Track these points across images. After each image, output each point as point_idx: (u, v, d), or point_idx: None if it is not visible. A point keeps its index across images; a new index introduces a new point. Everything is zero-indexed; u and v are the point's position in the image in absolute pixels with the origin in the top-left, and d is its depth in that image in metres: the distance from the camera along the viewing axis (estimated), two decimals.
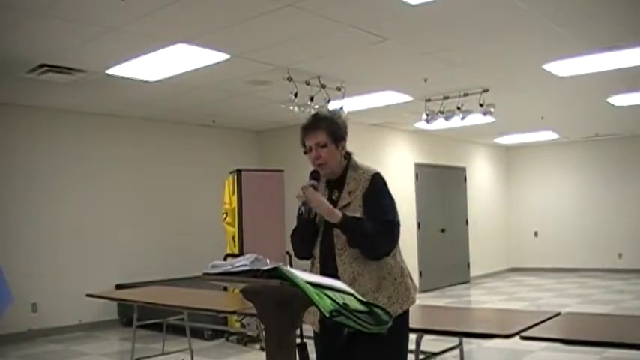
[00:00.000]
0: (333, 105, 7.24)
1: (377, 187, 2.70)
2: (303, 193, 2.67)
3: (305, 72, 6.55)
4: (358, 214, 2.65)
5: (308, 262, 2.87)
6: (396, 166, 10.78)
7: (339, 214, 2.63)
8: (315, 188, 2.71)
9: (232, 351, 6.69)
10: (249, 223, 7.28)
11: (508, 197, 14.48)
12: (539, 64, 6.53)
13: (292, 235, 2.88)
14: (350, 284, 2.58)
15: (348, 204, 2.69)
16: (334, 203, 2.72)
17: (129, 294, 5.78)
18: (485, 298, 10.17)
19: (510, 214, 14.42)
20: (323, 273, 2.70)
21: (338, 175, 2.78)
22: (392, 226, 2.67)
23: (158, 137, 9.21)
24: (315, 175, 2.75)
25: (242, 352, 6.62)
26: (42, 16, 4.63)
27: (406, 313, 2.72)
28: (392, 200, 2.73)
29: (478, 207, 13.15)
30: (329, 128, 2.72)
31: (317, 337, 2.82)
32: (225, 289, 6.14)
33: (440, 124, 8.48)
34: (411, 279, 2.80)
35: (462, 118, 8.01)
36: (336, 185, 2.78)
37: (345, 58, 6.13)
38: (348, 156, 2.82)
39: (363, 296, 2.22)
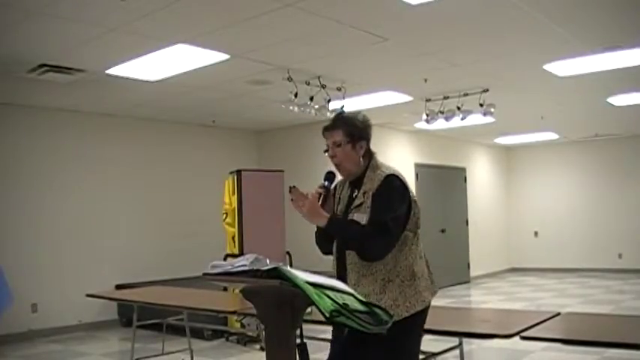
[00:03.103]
0: (333, 105, 7.25)
1: (386, 188, 2.67)
2: (290, 192, 2.66)
3: (305, 72, 6.55)
4: (366, 215, 2.64)
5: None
6: (396, 166, 10.57)
7: (324, 218, 2.62)
8: (328, 189, 2.74)
9: (232, 351, 6.69)
10: (249, 223, 7.27)
11: (508, 197, 14.48)
12: (539, 64, 6.53)
13: (315, 231, 2.87)
14: (355, 284, 2.61)
15: (361, 204, 2.69)
16: (353, 202, 2.75)
17: (129, 294, 5.78)
18: (485, 299, 10.17)
19: (510, 214, 14.41)
20: (337, 271, 2.75)
21: (358, 175, 2.79)
22: (383, 227, 2.58)
23: (158, 137, 9.21)
24: (329, 176, 2.78)
25: (242, 353, 6.62)
26: (42, 16, 4.63)
27: (415, 315, 2.66)
28: (398, 203, 2.66)
29: (478, 207, 13.14)
30: (346, 128, 2.75)
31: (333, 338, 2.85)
32: (225, 289, 6.13)
33: (440, 124, 8.48)
34: (428, 280, 2.75)
35: (462, 119, 8.01)
36: (356, 184, 2.80)
37: (345, 58, 6.13)
38: (370, 156, 2.82)
39: (365, 297, 2.21)
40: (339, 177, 2.88)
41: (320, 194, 2.70)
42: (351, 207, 2.73)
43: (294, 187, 2.67)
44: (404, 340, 2.63)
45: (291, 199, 2.65)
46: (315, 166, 9.10)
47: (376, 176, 2.72)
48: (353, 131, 2.76)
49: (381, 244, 2.61)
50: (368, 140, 2.81)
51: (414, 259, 2.70)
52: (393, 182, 2.70)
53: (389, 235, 2.60)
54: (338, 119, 2.81)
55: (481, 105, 7.70)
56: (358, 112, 2.90)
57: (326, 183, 2.75)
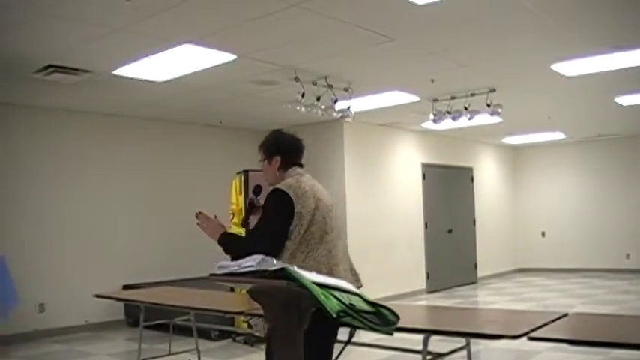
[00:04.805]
0: (340, 105, 7.24)
1: (265, 200, 2.97)
2: (196, 217, 3.06)
3: (312, 72, 6.54)
4: None
5: None
6: (403, 166, 10.76)
7: (216, 235, 3.01)
8: (252, 202, 3.09)
9: (239, 351, 6.70)
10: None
11: (515, 197, 14.43)
12: (546, 64, 6.50)
13: None
14: None
15: None
16: None
17: (136, 294, 5.79)
18: (492, 299, 10.14)
19: (517, 215, 14.37)
20: None
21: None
22: (249, 237, 3.04)
23: (164, 137, 9.23)
24: (255, 190, 3.12)
25: (249, 353, 6.62)
26: (48, 17, 4.64)
27: None
28: (271, 214, 2.91)
29: (485, 207, 13.11)
30: (264, 146, 3.13)
31: None
32: (232, 289, 6.14)
33: (447, 124, 8.46)
34: None
35: (470, 119, 7.98)
36: None
37: (351, 58, 6.12)
38: (285, 170, 3.08)
39: None
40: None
41: (248, 205, 3.10)
42: None
43: (200, 212, 3.07)
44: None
45: (197, 224, 3.03)
46: (322, 166, 9.10)
47: None
48: (268, 148, 3.11)
49: (246, 252, 2.77)
50: (283, 155, 3.08)
51: (305, 261, 2.83)
52: (272, 195, 2.93)
53: (253, 245, 2.81)
54: (264, 139, 3.17)
55: (488, 105, 7.68)
56: (279, 130, 3.22)
57: (252, 196, 3.10)
